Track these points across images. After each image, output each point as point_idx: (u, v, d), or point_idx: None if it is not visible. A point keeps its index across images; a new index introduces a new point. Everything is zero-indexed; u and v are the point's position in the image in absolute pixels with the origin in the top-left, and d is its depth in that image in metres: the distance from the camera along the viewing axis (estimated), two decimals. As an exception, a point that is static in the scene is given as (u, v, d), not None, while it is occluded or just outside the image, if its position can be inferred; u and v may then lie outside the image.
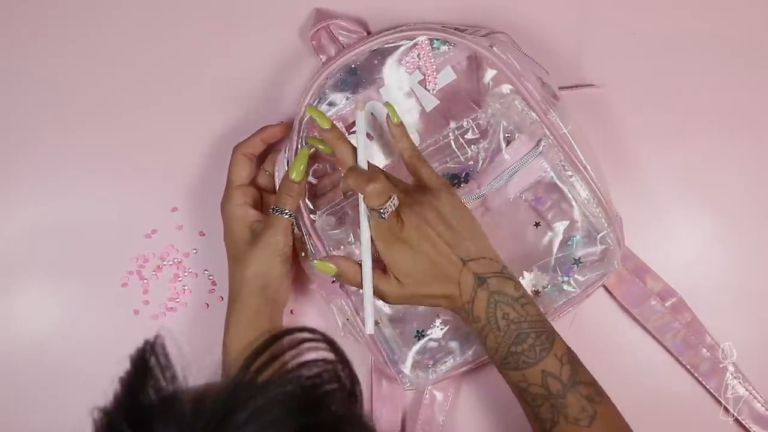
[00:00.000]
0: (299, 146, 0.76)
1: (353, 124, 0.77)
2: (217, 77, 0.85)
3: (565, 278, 0.78)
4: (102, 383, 0.82)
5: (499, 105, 0.76)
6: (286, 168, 0.76)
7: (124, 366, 0.49)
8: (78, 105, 0.85)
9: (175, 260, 0.85)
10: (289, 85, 0.83)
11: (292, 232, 0.76)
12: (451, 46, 0.76)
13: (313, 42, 0.80)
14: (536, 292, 0.79)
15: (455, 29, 0.77)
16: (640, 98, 0.83)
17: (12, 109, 0.85)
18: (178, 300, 0.86)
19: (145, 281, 0.85)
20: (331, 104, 0.77)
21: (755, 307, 0.84)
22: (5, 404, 0.85)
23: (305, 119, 0.76)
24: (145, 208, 0.85)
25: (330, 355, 0.48)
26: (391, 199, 0.66)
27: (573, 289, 0.78)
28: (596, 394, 0.69)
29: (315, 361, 0.47)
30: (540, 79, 0.76)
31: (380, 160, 0.78)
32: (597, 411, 0.68)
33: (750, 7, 0.84)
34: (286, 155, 0.77)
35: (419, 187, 0.72)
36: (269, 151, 0.81)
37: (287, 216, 0.75)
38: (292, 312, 0.84)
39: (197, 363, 0.82)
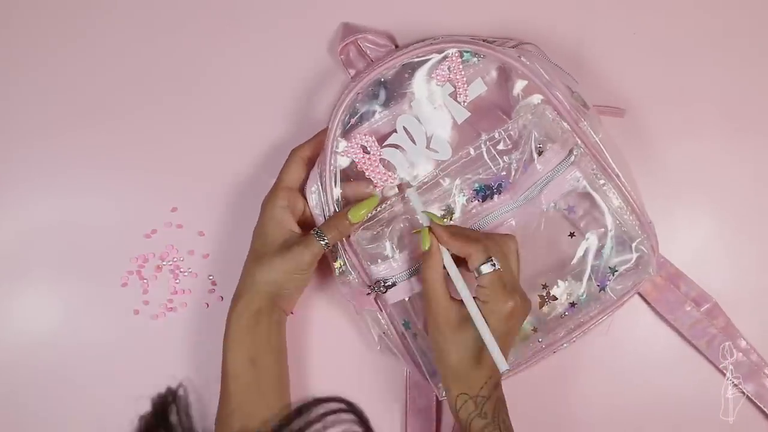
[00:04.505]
0: (332, 162, 0.76)
1: (386, 136, 0.77)
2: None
3: (601, 287, 0.78)
4: (101, 384, 0.83)
5: (531, 115, 0.76)
6: (319, 185, 0.76)
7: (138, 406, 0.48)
8: (78, 105, 0.85)
9: (175, 260, 0.85)
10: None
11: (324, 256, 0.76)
12: (480, 58, 0.76)
13: (342, 56, 0.80)
14: (572, 304, 0.79)
15: (484, 41, 0.77)
16: (641, 98, 0.84)
17: (12, 108, 0.85)
18: (178, 300, 0.85)
19: (145, 281, 0.85)
20: (362, 119, 0.76)
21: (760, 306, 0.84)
22: (5, 404, 0.85)
23: (337, 134, 0.76)
24: (145, 208, 0.85)
25: (357, 429, 0.48)
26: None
27: (608, 298, 0.78)
28: None
29: None
30: (569, 89, 0.76)
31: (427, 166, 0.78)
32: None
33: (753, 5, 0.84)
34: (318, 170, 0.76)
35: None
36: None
37: (323, 244, 0.74)
38: (291, 313, 0.83)
39: (196, 363, 0.82)
